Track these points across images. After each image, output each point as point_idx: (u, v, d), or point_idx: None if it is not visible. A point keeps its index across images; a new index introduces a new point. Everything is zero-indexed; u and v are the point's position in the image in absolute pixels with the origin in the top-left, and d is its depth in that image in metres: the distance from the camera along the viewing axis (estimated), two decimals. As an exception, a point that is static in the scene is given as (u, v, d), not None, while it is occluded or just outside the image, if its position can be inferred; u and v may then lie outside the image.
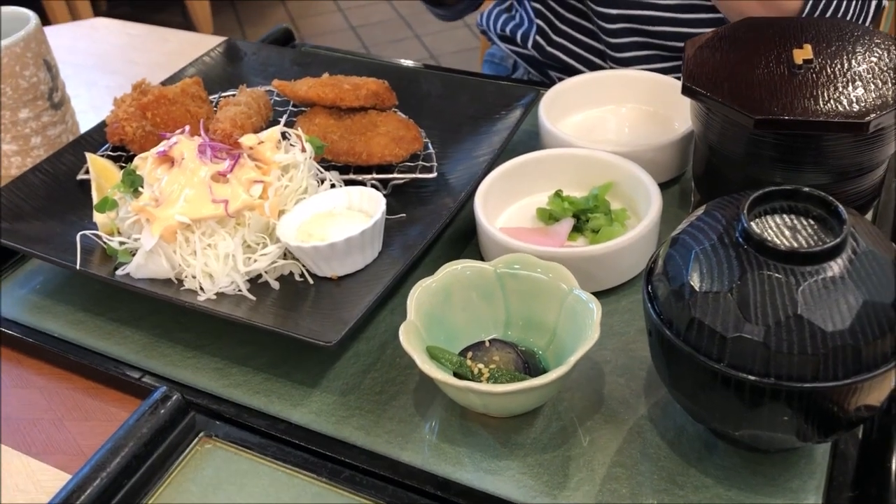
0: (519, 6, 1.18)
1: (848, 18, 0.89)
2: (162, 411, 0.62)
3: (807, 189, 0.52)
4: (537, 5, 1.11)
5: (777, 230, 0.52)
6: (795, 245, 0.50)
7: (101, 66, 1.20)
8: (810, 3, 0.86)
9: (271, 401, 0.65)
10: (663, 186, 0.80)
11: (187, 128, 0.76)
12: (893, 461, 0.55)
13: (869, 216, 0.75)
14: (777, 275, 0.49)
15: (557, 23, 1.11)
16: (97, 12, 3.11)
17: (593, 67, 1.11)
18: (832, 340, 0.48)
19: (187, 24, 3.21)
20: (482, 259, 0.73)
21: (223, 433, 0.62)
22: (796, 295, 0.48)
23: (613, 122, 0.89)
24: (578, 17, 1.09)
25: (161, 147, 0.73)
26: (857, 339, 0.48)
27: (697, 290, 0.51)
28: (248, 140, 0.74)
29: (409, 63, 1.09)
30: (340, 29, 3.20)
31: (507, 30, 1.17)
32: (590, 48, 1.10)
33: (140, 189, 0.73)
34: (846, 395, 0.49)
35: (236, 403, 0.65)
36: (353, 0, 3.38)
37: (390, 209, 0.77)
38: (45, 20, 2.84)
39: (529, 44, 1.13)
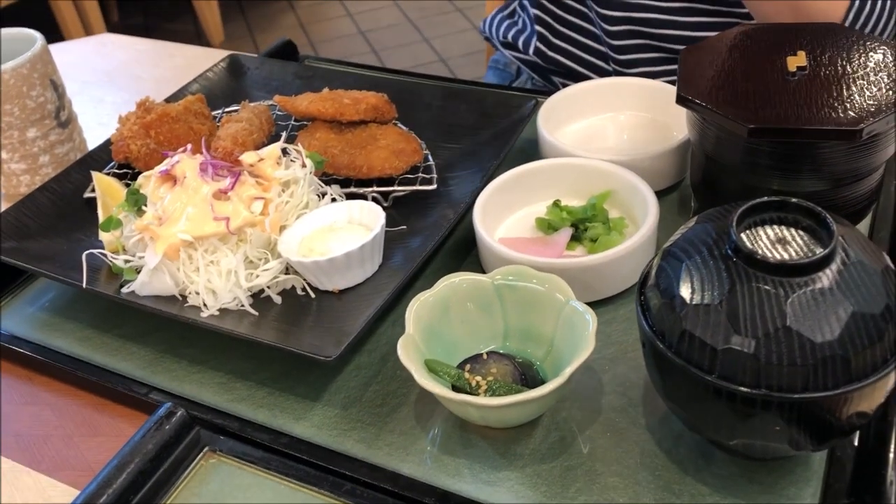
0: (522, 11, 1.19)
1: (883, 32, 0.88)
2: (167, 427, 0.63)
3: (795, 200, 0.52)
4: (537, 12, 1.12)
5: (767, 242, 0.52)
6: (785, 257, 0.51)
7: (108, 82, 1.22)
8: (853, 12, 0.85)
9: (274, 415, 0.66)
10: (662, 194, 0.80)
11: (189, 146, 0.77)
12: (889, 468, 0.55)
13: (867, 221, 0.75)
14: (766, 287, 0.49)
15: (558, 26, 1.11)
16: (109, 24, 3.15)
17: (596, 70, 1.11)
18: (821, 351, 0.48)
19: (198, 32, 3.24)
20: (482, 270, 0.74)
21: (227, 448, 0.64)
22: (785, 307, 0.49)
23: (612, 129, 0.89)
24: (580, 19, 1.10)
25: (163, 166, 0.75)
26: (846, 350, 0.48)
27: (688, 302, 0.52)
28: (248, 157, 0.75)
29: (409, 73, 1.10)
30: (349, 34, 3.22)
31: (510, 36, 1.18)
32: (592, 51, 1.11)
33: (143, 208, 0.74)
34: (837, 404, 0.49)
35: (240, 418, 0.66)
36: (363, 3, 3.40)
37: (391, 221, 0.78)
38: (58, 32, 2.88)
39: (531, 50, 1.14)
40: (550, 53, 1.12)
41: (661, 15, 1.03)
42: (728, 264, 0.51)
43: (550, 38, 1.12)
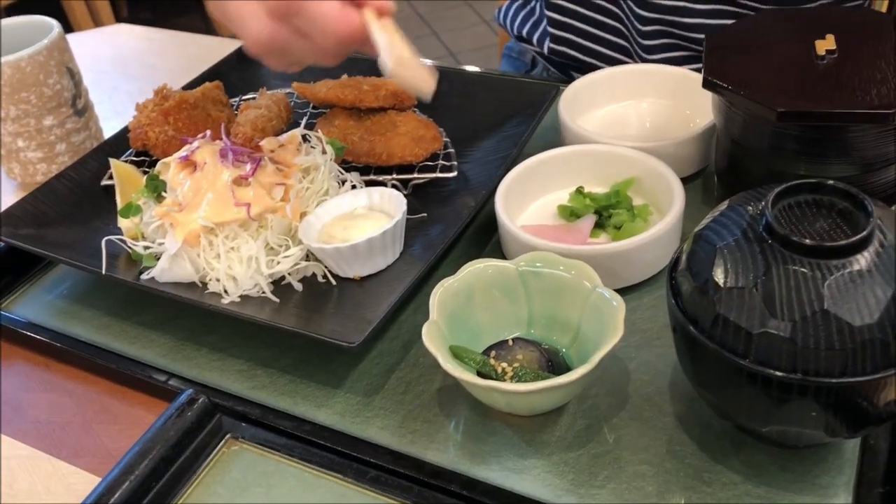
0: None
1: None
2: (189, 414, 0.62)
3: (831, 182, 0.51)
4: (554, 14, 1.08)
5: (802, 224, 0.51)
6: (821, 239, 0.50)
7: (123, 71, 1.21)
8: None
9: (296, 402, 0.65)
10: (685, 181, 0.79)
11: (208, 132, 0.76)
12: (925, 456, 0.54)
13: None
14: (802, 269, 0.48)
15: (574, 22, 1.09)
16: (119, 18, 3.14)
17: (616, 64, 1.09)
18: (860, 335, 0.47)
19: (207, 27, 3.23)
20: (504, 257, 0.73)
21: (249, 435, 0.63)
22: (822, 289, 0.48)
23: (634, 116, 0.88)
24: (598, 13, 1.07)
25: (183, 152, 0.74)
26: (885, 333, 0.47)
27: (722, 286, 0.51)
28: (268, 143, 0.74)
29: (427, 62, 1.09)
30: (358, 28, 3.20)
31: (524, 32, 1.16)
32: (613, 45, 1.08)
33: (163, 194, 0.73)
34: (875, 389, 0.48)
35: (262, 405, 0.65)
36: (371, -1, 3.39)
37: (411, 209, 0.77)
38: (68, 27, 2.88)
39: (545, 49, 1.11)
40: (564, 48, 1.09)
41: (695, 19, 1.00)
42: (763, 246, 0.50)
43: (565, 34, 1.09)
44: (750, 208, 0.53)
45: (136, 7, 3.44)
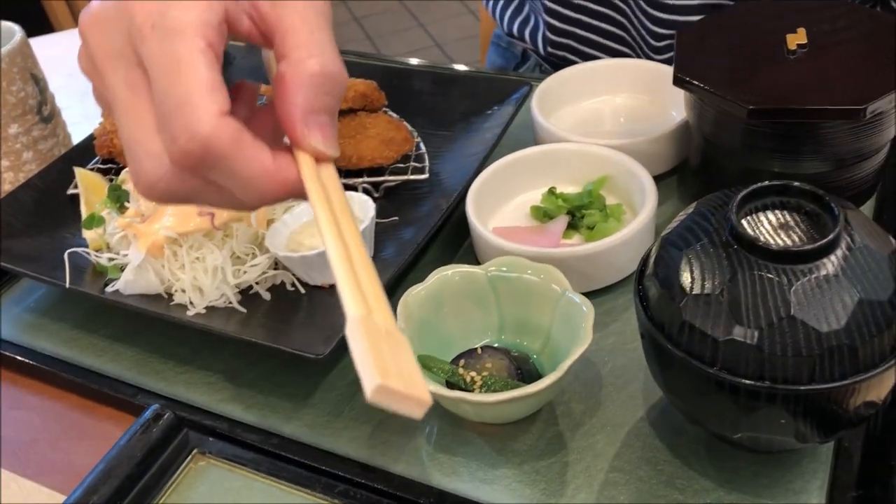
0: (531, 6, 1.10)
1: None
2: (154, 430, 0.61)
3: (798, 184, 0.50)
4: (553, 21, 1.02)
5: (769, 228, 0.50)
6: (787, 243, 0.49)
7: (95, 74, 1.19)
8: None
9: (265, 415, 0.64)
10: (660, 178, 0.78)
11: (173, 139, 0.75)
12: (899, 459, 0.54)
13: (871, 203, 0.73)
14: (769, 275, 0.47)
15: (579, 31, 1.02)
16: (100, 15, 3.11)
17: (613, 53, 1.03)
18: (828, 340, 0.46)
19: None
20: (478, 261, 0.72)
21: (217, 450, 0.62)
22: (789, 295, 0.47)
23: (608, 112, 0.87)
24: (610, 24, 1.00)
25: (147, 160, 0.72)
26: (853, 339, 0.46)
27: (688, 292, 0.50)
28: (234, 149, 0.73)
29: (396, 61, 1.07)
30: (344, 21, 3.18)
31: (514, 30, 1.10)
32: (614, 52, 1.03)
33: (126, 204, 0.72)
34: (844, 395, 0.47)
35: (229, 419, 0.64)
36: (356, -9, 3.37)
37: (383, 212, 0.76)
38: (49, 27, 2.84)
39: (541, 48, 1.06)
40: (565, 53, 1.04)
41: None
42: (729, 252, 0.49)
43: (565, 40, 1.03)
44: (716, 212, 0.52)
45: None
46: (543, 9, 1.02)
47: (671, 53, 0.97)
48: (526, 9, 1.10)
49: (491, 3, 1.14)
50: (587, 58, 1.01)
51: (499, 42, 1.20)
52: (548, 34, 1.04)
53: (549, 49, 1.05)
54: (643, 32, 0.96)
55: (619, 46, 1.01)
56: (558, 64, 1.06)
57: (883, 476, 0.53)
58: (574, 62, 1.02)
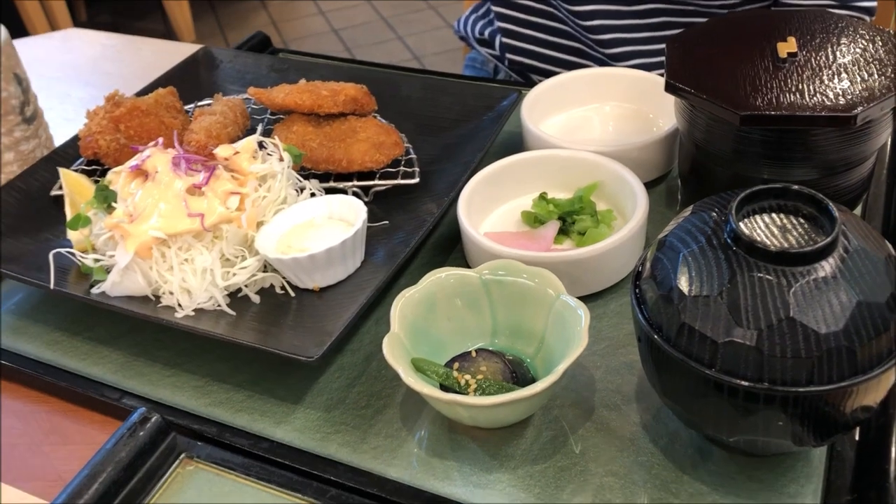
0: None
1: None
2: (141, 434, 0.60)
3: (796, 187, 0.51)
4: (503, 24, 1.09)
5: (767, 230, 0.50)
6: (786, 245, 0.49)
7: (75, 77, 1.18)
8: None
9: (254, 419, 0.63)
10: (649, 185, 0.78)
11: (161, 140, 0.74)
12: (892, 463, 0.54)
13: (858, 210, 0.73)
14: (768, 276, 0.48)
15: (520, 29, 1.09)
16: (76, 21, 3.08)
17: (572, 67, 1.08)
18: (826, 342, 0.47)
19: (168, 31, 3.18)
20: (468, 265, 0.72)
21: (205, 454, 0.61)
22: (788, 297, 0.47)
23: (597, 120, 0.87)
24: (543, 18, 1.08)
25: (134, 161, 0.71)
26: (851, 341, 0.47)
27: (686, 294, 0.50)
28: (223, 151, 0.72)
29: (388, 66, 1.08)
30: (322, 32, 3.18)
31: (486, 34, 1.16)
32: (563, 48, 1.08)
33: (113, 204, 0.71)
34: (842, 398, 0.48)
35: (218, 422, 0.63)
36: (336, 2, 3.36)
37: (373, 216, 0.75)
38: (22, 29, 2.81)
39: (505, 58, 1.12)
40: (522, 58, 1.10)
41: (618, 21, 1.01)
42: (728, 254, 0.49)
43: (515, 42, 1.09)
44: (714, 214, 0.52)
45: (94, 10, 3.37)
46: (497, 16, 1.09)
47: (634, 61, 1.00)
48: (491, 14, 1.15)
49: (461, 23, 1.21)
50: (541, 58, 1.08)
51: (473, 64, 1.26)
52: (502, 39, 1.09)
53: (508, 55, 1.09)
54: (572, 17, 1.01)
55: (568, 42, 1.06)
56: (521, 71, 1.11)
57: (877, 480, 0.54)
58: (532, 66, 1.08)
